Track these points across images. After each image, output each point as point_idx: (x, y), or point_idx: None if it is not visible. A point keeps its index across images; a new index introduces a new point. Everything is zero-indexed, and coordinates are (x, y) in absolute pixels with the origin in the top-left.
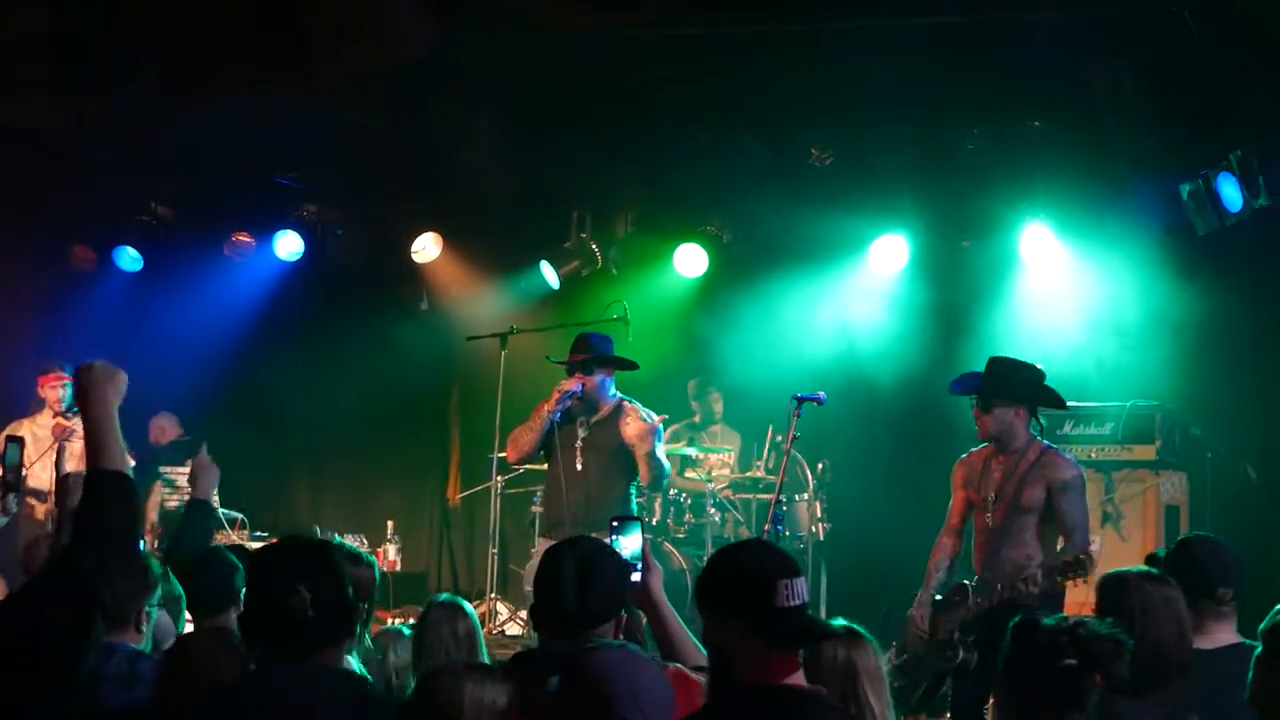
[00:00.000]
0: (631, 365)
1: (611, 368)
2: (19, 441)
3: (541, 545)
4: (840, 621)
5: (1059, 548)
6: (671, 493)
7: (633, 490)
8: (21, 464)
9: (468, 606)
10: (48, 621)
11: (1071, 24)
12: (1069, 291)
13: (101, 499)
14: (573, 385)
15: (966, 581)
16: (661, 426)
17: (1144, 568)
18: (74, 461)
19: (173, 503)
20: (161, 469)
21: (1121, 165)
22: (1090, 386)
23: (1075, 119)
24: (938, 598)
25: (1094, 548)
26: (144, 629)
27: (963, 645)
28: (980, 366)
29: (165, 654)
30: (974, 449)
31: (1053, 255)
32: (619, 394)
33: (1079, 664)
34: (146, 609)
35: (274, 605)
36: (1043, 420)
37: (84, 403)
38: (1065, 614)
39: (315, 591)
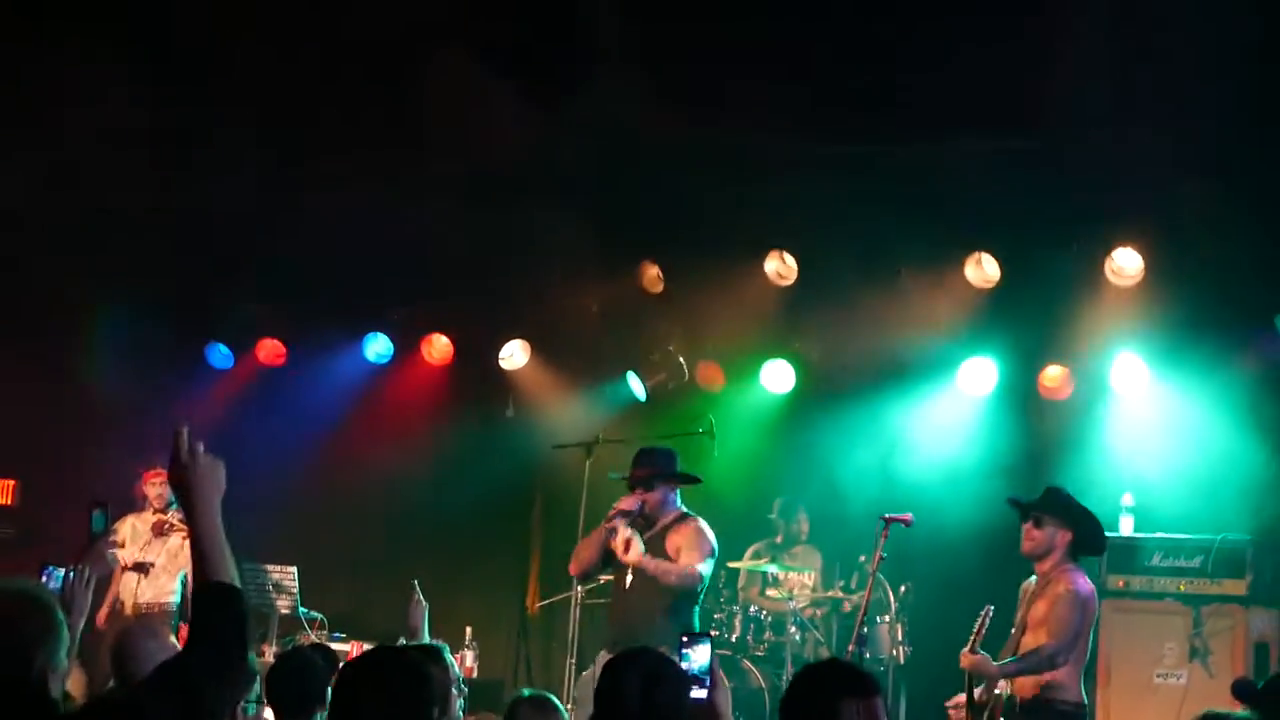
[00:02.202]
0: (694, 480)
1: (674, 483)
2: (103, 507)
3: (601, 658)
4: None
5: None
6: (751, 610)
7: (688, 605)
8: (108, 530)
9: (556, 701)
10: None
11: (1166, 144)
12: (1160, 420)
13: (213, 611)
14: (631, 504)
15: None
16: (713, 549)
17: (1244, 713)
18: (166, 558)
19: None
20: None
21: (1215, 295)
22: (1180, 518)
23: (1169, 246)
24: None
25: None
26: None
27: None
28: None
29: None
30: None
31: (1144, 383)
32: (684, 509)
33: None
34: (242, 705)
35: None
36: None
37: (187, 508)
38: None
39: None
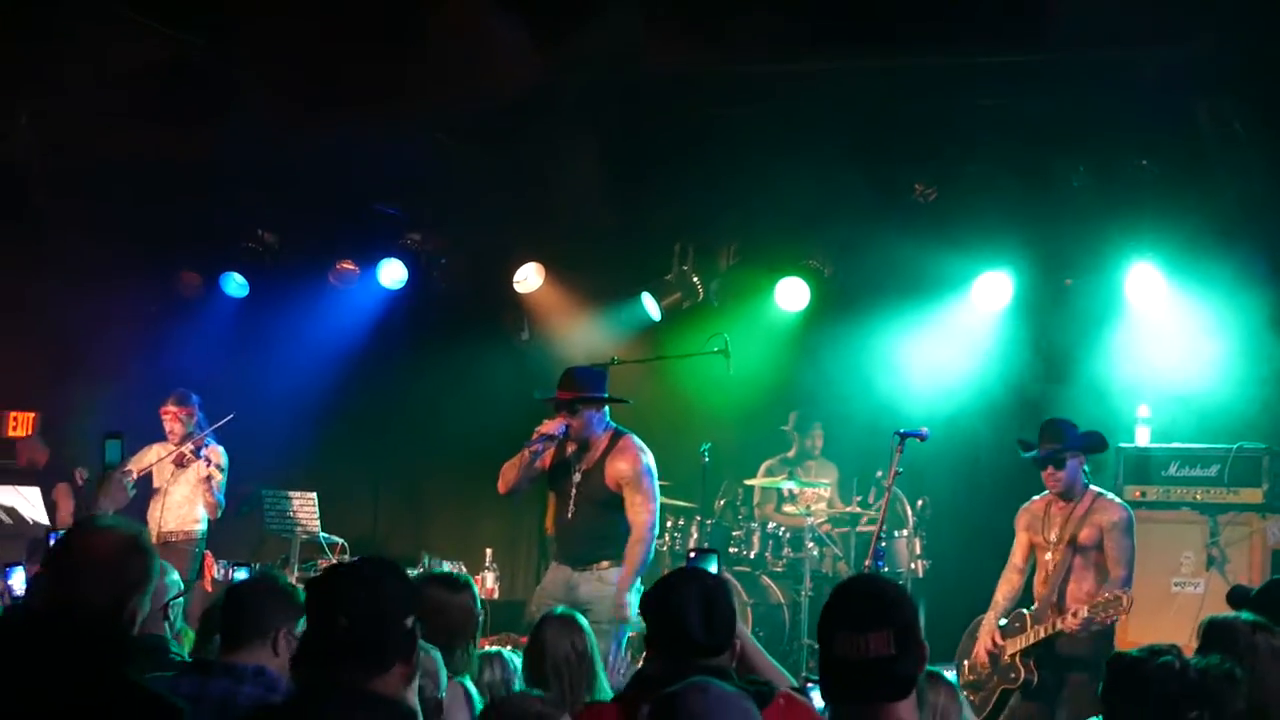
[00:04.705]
0: (621, 402)
1: (599, 406)
2: (118, 438)
3: (553, 569)
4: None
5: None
6: (769, 526)
7: (625, 520)
8: (124, 460)
9: (583, 621)
10: None
11: (1179, 61)
12: (1175, 332)
13: None
14: (554, 428)
15: (1025, 610)
16: (655, 483)
17: (1255, 616)
18: (188, 488)
19: None
20: None
21: (1230, 205)
22: (1196, 428)
23: (1182, 157)
24: (1002, 623)
25: (1172, 590)
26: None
27: (1024, 667)
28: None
29: None
30: (1035, 497)
31: (1159, 295)
32: (615, 425)
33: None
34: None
35: (316, 630)
36: (1087, 468)
37: None
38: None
39: (355, 618)
